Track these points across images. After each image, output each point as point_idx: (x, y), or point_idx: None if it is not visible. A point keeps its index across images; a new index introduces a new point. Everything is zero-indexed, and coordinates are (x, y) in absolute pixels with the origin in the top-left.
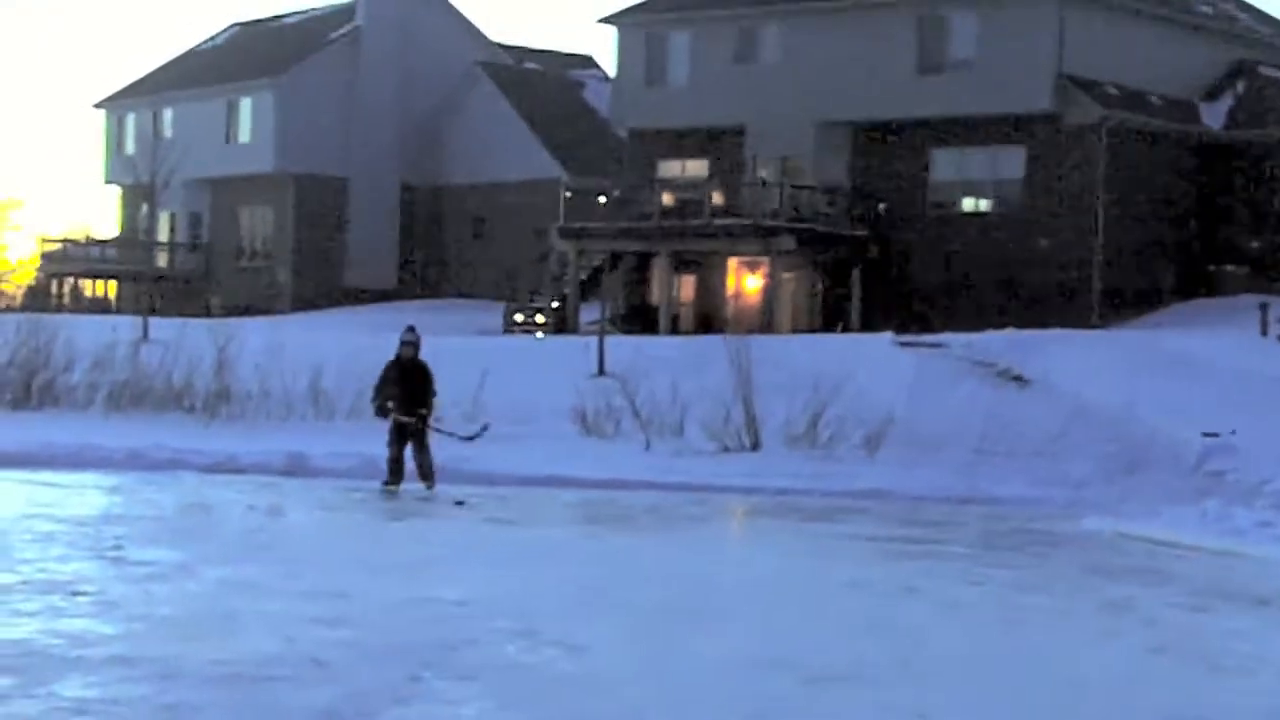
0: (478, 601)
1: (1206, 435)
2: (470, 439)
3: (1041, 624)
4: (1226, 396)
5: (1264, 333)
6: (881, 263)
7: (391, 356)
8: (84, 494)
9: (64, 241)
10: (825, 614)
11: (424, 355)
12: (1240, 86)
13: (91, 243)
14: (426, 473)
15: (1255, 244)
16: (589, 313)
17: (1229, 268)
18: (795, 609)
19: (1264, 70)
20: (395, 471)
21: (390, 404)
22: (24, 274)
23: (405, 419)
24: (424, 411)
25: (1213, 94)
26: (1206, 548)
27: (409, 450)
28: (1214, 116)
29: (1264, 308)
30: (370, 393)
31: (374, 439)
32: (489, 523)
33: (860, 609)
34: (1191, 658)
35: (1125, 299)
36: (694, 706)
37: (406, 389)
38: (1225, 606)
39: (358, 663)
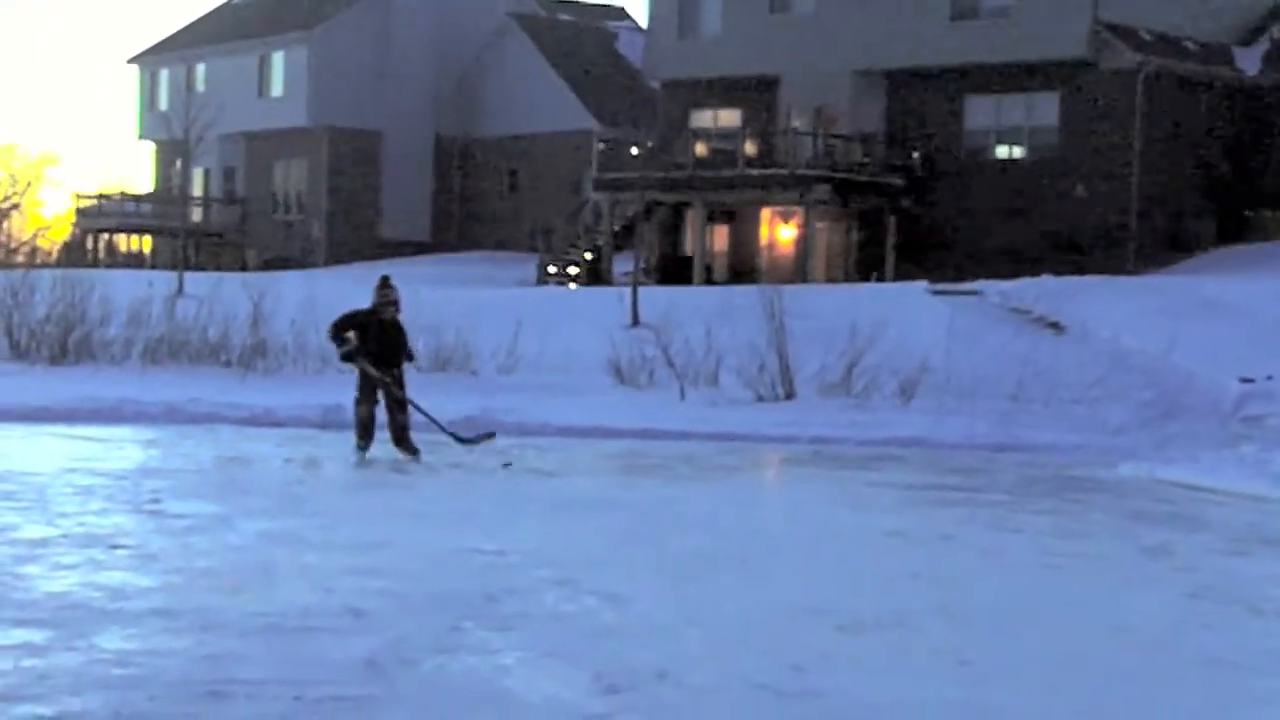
0: (517, 552)
1: (1243, 380)
2: (468, 443)
3: (1080, 570)
4: (1263, 342)
5: None
6: (916, 211)
7: (365, 306)
8: (122, 448)
9: (99, 197)
10: (864, 562)
11: (459, 307)
12: (1276, 31)
13: (126, 198)
14: (403, 437)
15: None
16: (623, 264)
17: (1266, 213)
18: (834, 557)
19: None
20: (365, 432)
21: (355, 347)
22: (60, 230)
23: (376, 374)
24: (397, 371)
25: (1248, 39)
26: (1244, 493)
27: (380, 410)
28: (1250, 61)
29: None
30: (328, 331)
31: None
32: (526, 473)
33: (899, 557)
34: (1231, 602)
35: (1161, 245)
36: (735, 655)
37: (380, 345)
38: (1263, 551)
39: (397, 613)
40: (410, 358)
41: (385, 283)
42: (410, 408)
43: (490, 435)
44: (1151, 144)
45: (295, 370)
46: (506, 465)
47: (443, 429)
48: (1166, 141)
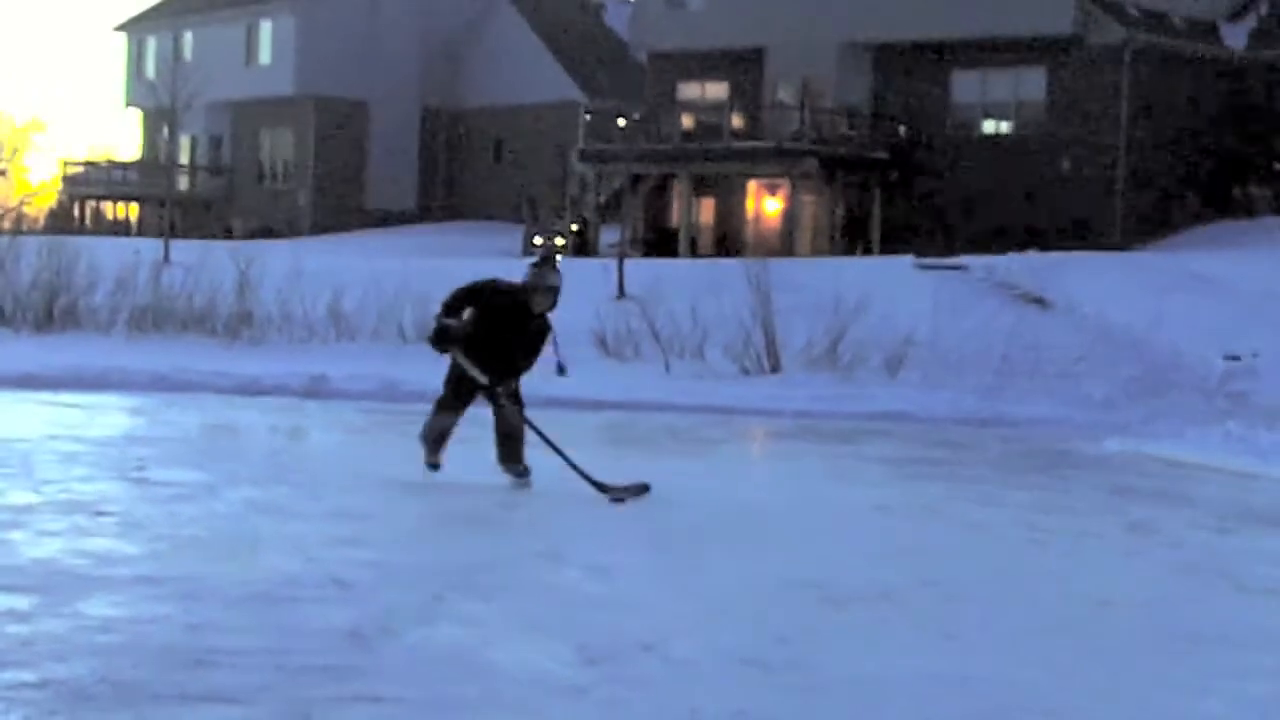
0: (501, 523)
1: (1228, 357)
2: (620, 498)
3: (1065, 545)
4: (1249, 318)
5: None
6: (902, 185)
7: (493, 279)
8: (107, 415)
9: (86, 164)
10: (849, 536)
11: (447, 278)
12: (1263, 7)
13: (113, 165)
14: (515, 448)
15: (1279, 166)
16: (609, 235)
17: (1253, 189)
18: (819, 531)
19: None
20: (438, 445)
21: (459, 330)
22: (46, 196)
23: (481, 378)
24: (514, 383)
25: (1236, 15)
26: (1229, 469)
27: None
28: (1236, 38)
29: None
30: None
31: (397, 362)
32: None
33: (884, 530)
34: (1216, 578)
35: (1148, 221)
36: (720, 628)
37: (504, 344)
38: (1248, 528)
39: (381, 583)
40: (560, 371)
41: (550, 262)
42: (526, 431)
43: (645, 488)
44: (1138, 119)
45: (281, 339)
46: (619, 500)
47: (592, 482)
48: (1153, 117)
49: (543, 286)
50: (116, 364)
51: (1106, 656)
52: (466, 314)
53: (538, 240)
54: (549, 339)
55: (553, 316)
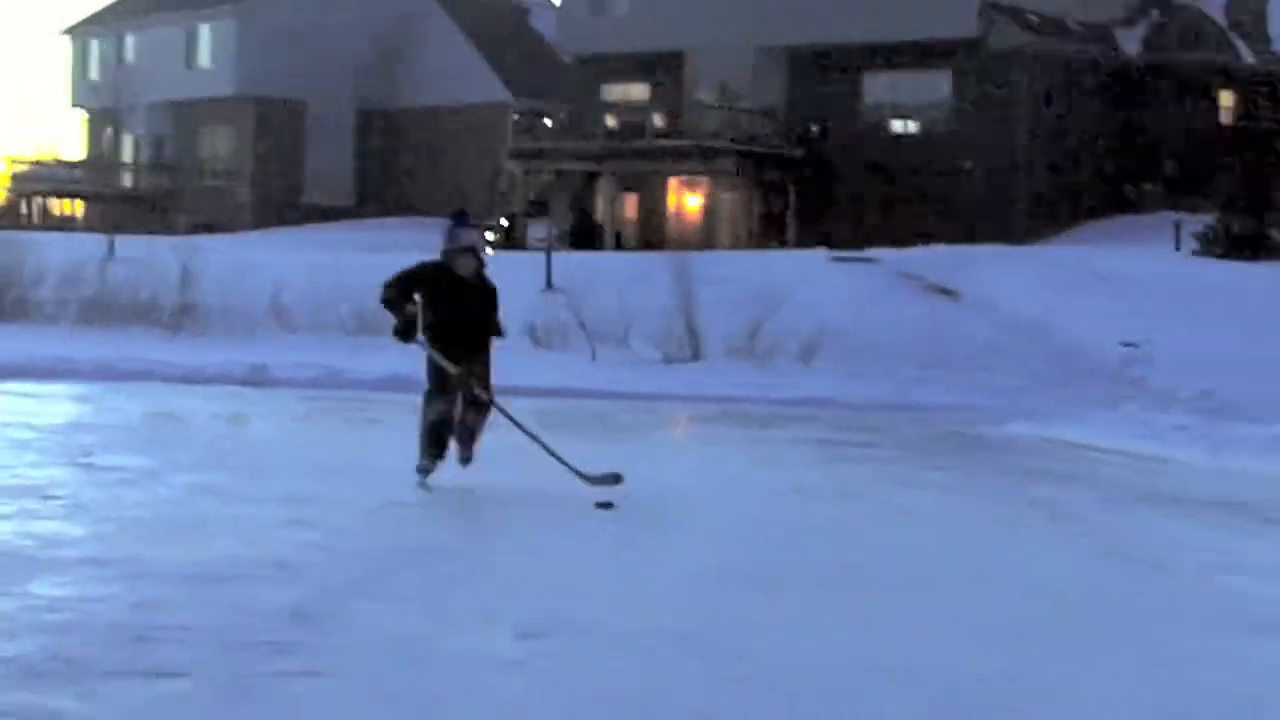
0: (439, 506)
1: (1125, 344)
2: (595, 483)
3: (979, 526)
4: (1143, 308)
5: (1177, 248)
6: (816, 181)
7: (428, 259)
8: (56, 403)
9: (33, 163)
10: (771, 519)
11: (383, 272)
12: (1155, 14)
13: (59, 164)
14: (468, 439)
15: (1169, 164)
16: (536, 230)
17: (1146, 186)
18: (742, 514)
19: None
20: (436, 440)
21: (413, 315)
22: None
23: (449, 366)
24: (483, 359)
25: (1130, 20)
26: (1127, 450)
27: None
28: (1130, 42)
29: (1177, 225)
30: (381, 293)
31: (336, 351)
32: None
33: (805, 513)
34: (1125, 560)
35: (1048, 216)
36: (650, 609)
37: (455, 317)
38: (1151, 508)
39: (323, 565)
40: (499, 333)
41: (461, 218)
42: (494, 411)
43: (617, 479)
44: (1038, 120)
45: (221, 330)
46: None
47: (569, 467)
48: (1052, 117)
49: (457, 248)
50: (64, 354)
51: (1032, 642)
52: (416, 299)
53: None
54: (496, 300)
55: (492, 277)
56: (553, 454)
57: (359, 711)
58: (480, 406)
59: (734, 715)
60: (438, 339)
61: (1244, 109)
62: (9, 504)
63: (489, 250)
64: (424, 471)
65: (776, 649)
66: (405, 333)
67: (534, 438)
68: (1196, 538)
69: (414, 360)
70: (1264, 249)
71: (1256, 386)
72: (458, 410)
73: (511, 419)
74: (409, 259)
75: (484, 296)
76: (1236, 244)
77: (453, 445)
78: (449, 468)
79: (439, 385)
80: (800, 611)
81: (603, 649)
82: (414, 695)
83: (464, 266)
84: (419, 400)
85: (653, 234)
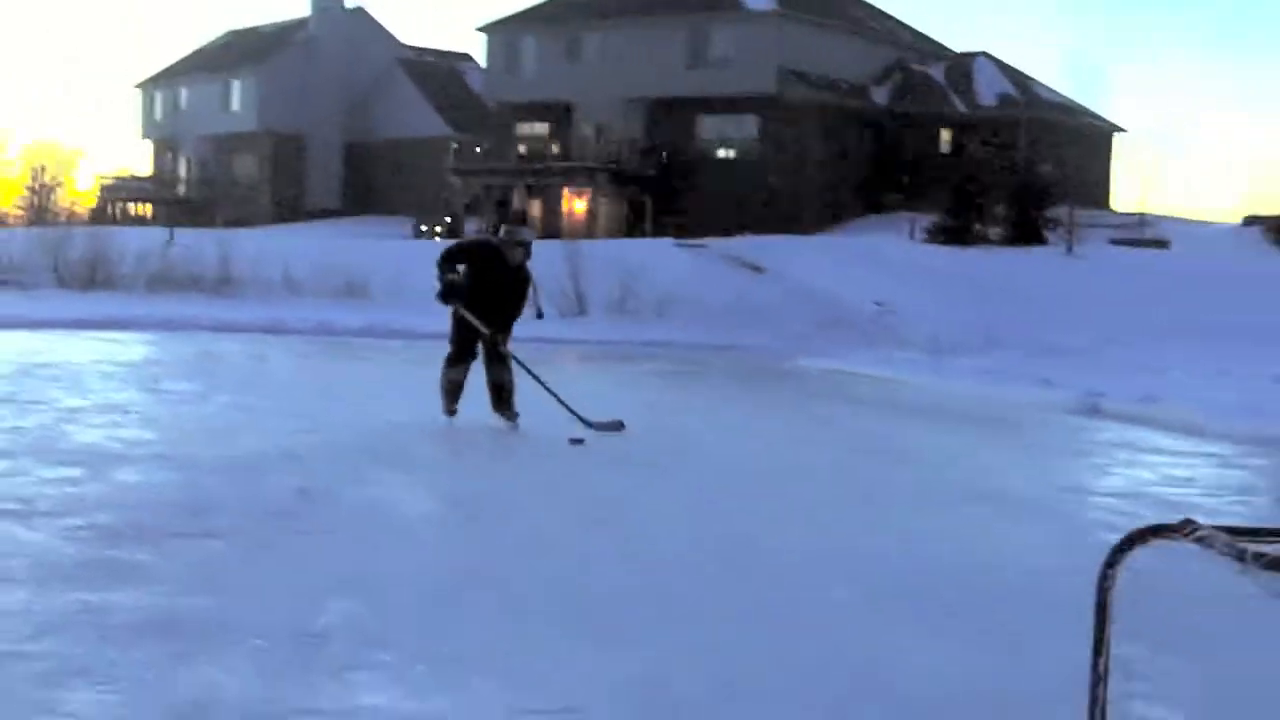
0: (411, 424)
1: (877, 304)
2: (596, 428)
3: (774, 429)
4: (889, 279)
5: (911, 236)
6: (666, 193)
7: (475, 239)
8: (132, 346)
9: (115, 178)
10: (630, 425)
11: (360, 254)
12: (897, 77)
13: (134, 179)
14: (506, 398)
15: (907, 180)
16: (470, 225)
17: (893, 196)
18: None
19: (912, 65)
20: (453, 397)
21: (461, 284)
22: (88, 200)
23: (480, 325)
24: (506, 331)
25: (880, 80)
26: (878, 376)
27: (479, 365)
28: (882, 96)
29: (912, 223)
30: (438, 262)
31: (331, 310)
32: (407, 364)
33: (650, 419)
34: (881, 454)
35: (826, 216)
36: (551, 487)
37: (495, 293)
38: (894, 417)
39: (324, 458)
40: (539, 315)
41: (522, 221)
42: (516, 372)
43: (619, 425)
44: (820, 151)
45: (249, 295)
46: (577, 442)
47: (570, 410)
48: (829, 148)
49: (513, 241)
50: (138, 313)
51: (810, 510)
52: (462, 270)
53: (423, 228)
54: (531, 285)
55: (534, 270)
56: (562, 402)
57: (344, 556)
58: (501, 359)
59: (495, 573)
60: (473, 306)
61: (957, 143)
62: (100, 417)
63: (437, 239)
64: (449, 414)
65: (633, 510)
66: (448, 296)
67: (545, 386)
68: (931, 438)
69: (381, 315)
70: (970, 239)
71: (965, 332)
72: (470, 371)
73: (528, 370)
74: (382, 245)
75: (519, 283)
76: (951, 235)
77: (494, 418)
78: (408, 396)
79: (458, 353)
80: (642, 482)
81: (518, 520)
82: (382, 545)
83: (514, 256)
84: (441, 364)
85: (552, 228)
